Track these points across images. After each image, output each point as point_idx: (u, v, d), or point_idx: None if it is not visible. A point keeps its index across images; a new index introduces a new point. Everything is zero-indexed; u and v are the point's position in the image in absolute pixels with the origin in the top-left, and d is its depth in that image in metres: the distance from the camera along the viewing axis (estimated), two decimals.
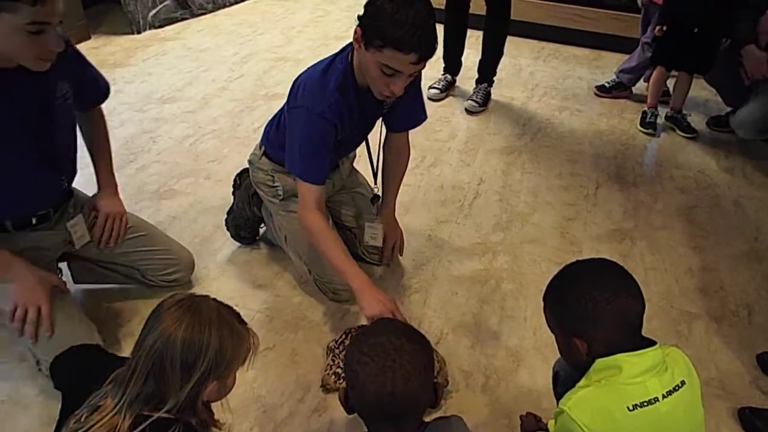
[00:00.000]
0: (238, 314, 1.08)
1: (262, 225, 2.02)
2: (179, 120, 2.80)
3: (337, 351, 1.57)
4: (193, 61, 3.38)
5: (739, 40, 2.52)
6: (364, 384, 0.99)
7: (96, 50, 3.37)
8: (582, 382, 1.05)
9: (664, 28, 2.65)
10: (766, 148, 2.74)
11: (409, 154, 1.90)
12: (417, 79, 1.66)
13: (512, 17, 2.90)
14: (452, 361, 1.64)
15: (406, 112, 1.77)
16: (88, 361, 1.40)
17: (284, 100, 1.68)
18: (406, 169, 1.92)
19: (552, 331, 1.14)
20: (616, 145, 2.78)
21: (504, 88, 3.21)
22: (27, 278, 1.44)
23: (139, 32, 3.69)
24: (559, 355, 1.17)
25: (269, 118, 1.82)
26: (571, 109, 3.08)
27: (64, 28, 1.34)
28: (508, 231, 2.18)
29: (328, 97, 1.53)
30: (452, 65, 3.12)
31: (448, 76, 3.12)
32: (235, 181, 2.07)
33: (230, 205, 2.06)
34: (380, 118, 1.78)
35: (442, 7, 2.93)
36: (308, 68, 1.64)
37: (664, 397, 1.00)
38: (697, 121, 2.92)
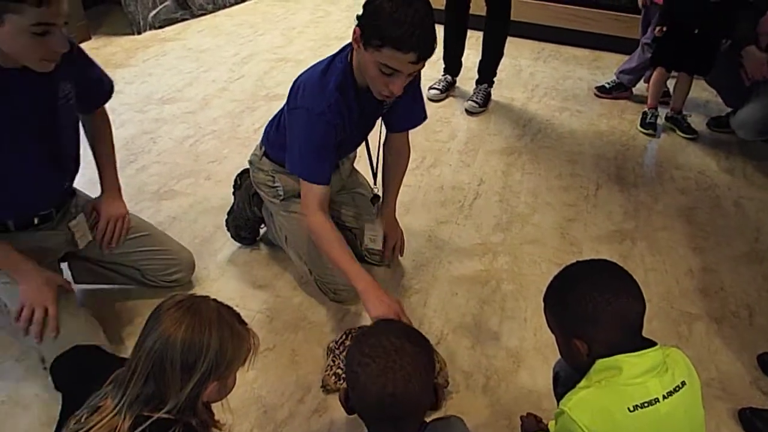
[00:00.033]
0: (238, 315, 1.08)
1: (263, 225, 2.02)
2: (179, 120, 2.80)
3: (337, 352, 1.57)
4: (194, 62, 3.39)
5: (740, 40, 2.52)
6: (365, 385, 0.99)
7: (96, 51, 3.37)
8: (582, 383, 1.05)
9: (665, 28, 2.66)
10: (766, 149, 2.74)
11: (409, 154, 1.90)
12: (416, 78, 1.66)
13: (512, 18, 2.90)
14: (452, 362, 1.63)
15: (406, 112, 1.77)
16: (88, 362, 1.40)
17: (284, 101, 1.68)
18: (406, 169, 1.92)
19: (552, 332, 1.14)
20: (616, 145, 2.78)
21: (504, 88, 3.21)
22: (35, 279, 1.46)
23: (139, 33, 3.69)
24: (559, 356, 1.17)
25: (269, 119, 1.82)
26: (572, 110, 3.08)
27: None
28: (508, 232, 2.18)
29: (327, 97, 1.53)
30: (452, 66, 3.12)
31: (448, 77, 3.12)
32: (235, 181, 2.07)
33: (230, 206, 2.06)
34: (380, 118, 1.78)
35: (443, 8, 2.93)
36: (308, 69, 1.64)
37: (664, 397, 1.00)
38: (697, 121, 2.92)
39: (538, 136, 2.83)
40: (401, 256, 1.99)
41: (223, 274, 1.93)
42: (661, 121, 2.92)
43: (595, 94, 3.22)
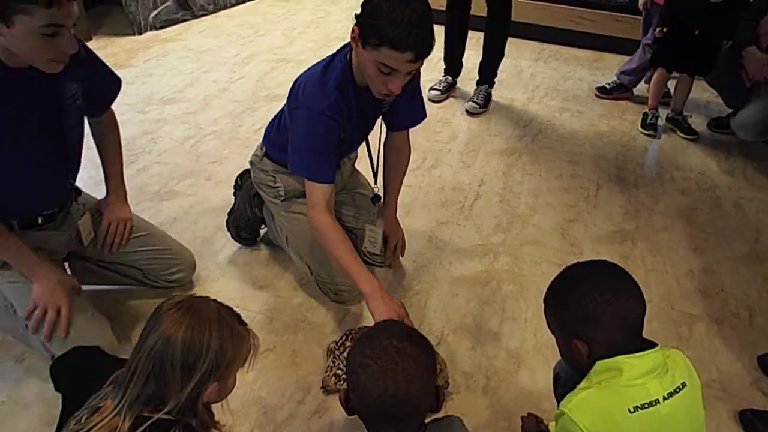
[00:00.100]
0: (238, 315, 1.08)
1: (263, 226, 2.02)
2: (180, 121, 2.80)
3: (337, 352, 1.57)
4: (194, 62, 3.39)
5: (740, 41, 2.52)
6: (366, 386, 0.98)
7: (97, 51, 3.31)
8: (583, 384, 1.05)
9: (665, 29, 2.65)
10: (766, 150, 2.74)
11: (409, 153, 1.90)
12: (416, 77, 1.66)
13: (513, 18, 2.90)
14: (453, 363, 1.63)
15: (406, 111, 1.77)
16: (88, 363, 1.40)
17: (285, 101, 1.68)
18: (406, 169, 1.92)
19: (553, 333, 1.13)
20: (616, 146, 2.78)
21: (505, 89, 3.21)
22: (50, 279, 1.47)
23: (140, 33, 3.69)
24: (559, 357, 1.17)
25: (270, 119, 1.82)
26: (572, 111, 3.08)
27: None
28: (508, 232, 2.18)
29: (328, 96, 1.53)
30: (453, 67, 3.12)
31: (449, 78, 3.13)
32: (236, 181, 2.07)
33: (231, 206, 2.06)
34: (380, 118, 1.78)
35: (443, 9, 2.93)
36: (308, 68, 1.64)
37: (665, 399, 1.00)
38: (697, 122, 2.92)
39: (539, 136, 2.83)
40: (402, 256, 1.99)
41: (223, 275, 1.93)
42: (661, 121, 2.92)
43: (596, 95, 3.22)
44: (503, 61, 3.02)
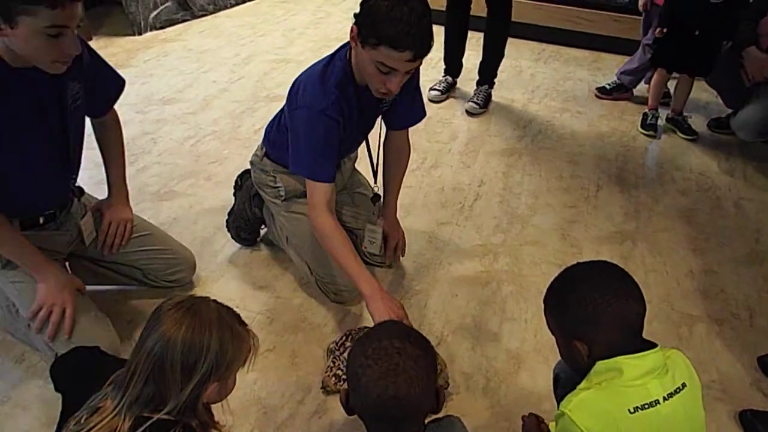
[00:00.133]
0: (238, 316, 1.08)
1: (263, 226, 2.02)
2: (180, 121, 2.80)
3: (337, 353, 1.57)
4: (194, 63, 3.39)
5: (740, 41, 2.52)
6: (367, 387, 0.98)
7: (97, 51, 3.37)
8: (583, 385, 1.05)
9: (665, 30, 2.65)
10: (766, 150, 2.74)
11: (409, 153, 1.90)
12: (415, 76, 1.66)
13: (513, 19, 2.90)
14: (453, 363, 1.63)
15: (405, 110, 1.78)
16: (88, 363, 1.40)
17: (285, 102, 1.68)
18: (406, 168, 1.92)
19: (553, 334, 1.13)
20: (616, 147, 2.78)
21: (504, 89, 3.21)
22: (57, 279, 1.48)
23: (140, 33, 3.69)
24: (559, 358, 1.17)
25: (270, 120, 1.82)
26: (572, 111, 3.08)
27: None
28: (508, 233, 2.18)
29: (328, 95, 1.53)
30: (453, 67, 3.12)
31: (449, 78, 3.12)
32: (236, 182, 2.07)
33: (231, 207, 2.06)
34: (380, 117, 1.78)
35: (443, 9, 2.93)
36: (307, 68, 1.64)
37: (665, 399, 1.00)
38: (697, 123, 2.92)
39: (539, 137, 2.83)
40: (403, 256, 1.99)
41: (223, 275, 1.93)
42: (661, 122, 2.92)
43: (596, 95, 3.22)
44: (503, 61, 3.02)
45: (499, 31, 2.93)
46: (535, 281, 1.94)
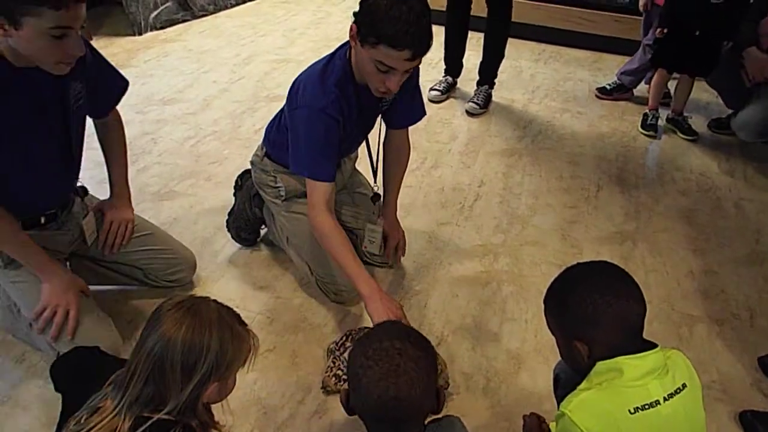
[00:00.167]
0: (238, 316, 1.08)
1: (263, 226, 2.02)
2: (180, 121, 2.80)
3: (337, 353, 1.57)
4: (195, 63, 3.39)
5: (741, 42, 2.52)
6: (368, 388, 0.98)
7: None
8: (583, 385, 1.05)
9: (666, 30, 2.65)
10: (767, 151, 2.74)
11: (409, 152, 1.90)
12: (415, 75, 1.66)
13: (513, 19, 2.90)
14: (453, 364, 1.63)
15: (405, 109, 1.78)
16: (88, 363, 1.40)
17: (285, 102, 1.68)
18: (406, 167, 1.92)
19: (553, 334, 1.13)
20: (617, 147, 2.78)
21: (505, 90, 3.21)
22: (61, 280, 1.48)
23: (140, 34, 3.69)
24: (559, 358, 1.17)
25: (270, 120, 1.82)
26: (572, 112, 3.08)
27: None
28: (508, 233, 2.18)
29: (328, 94, 1.53)
30: (453, 67, 3.12)
31: (449, 78, 3.12)
32: (236, 182, 2.07)
33: (231, 207, 2.06)
34: (380, 117, 1.78)
35: (443, 9, 2.93)
36: (307, 68, 1.64)
37: (665, 399, 1.00)
38: (698, 123, 2.92)
39: (539, 137, 2.83)
40: (403, 256, 1.99)
41: (223, 275, 1.93)
42: (662, 122, 2.92)
43: (596, 96, 3.22)
44: (503, 61, 3.02)
45: (500, 32, 2.93)
46: (535, 281, 1.94)
